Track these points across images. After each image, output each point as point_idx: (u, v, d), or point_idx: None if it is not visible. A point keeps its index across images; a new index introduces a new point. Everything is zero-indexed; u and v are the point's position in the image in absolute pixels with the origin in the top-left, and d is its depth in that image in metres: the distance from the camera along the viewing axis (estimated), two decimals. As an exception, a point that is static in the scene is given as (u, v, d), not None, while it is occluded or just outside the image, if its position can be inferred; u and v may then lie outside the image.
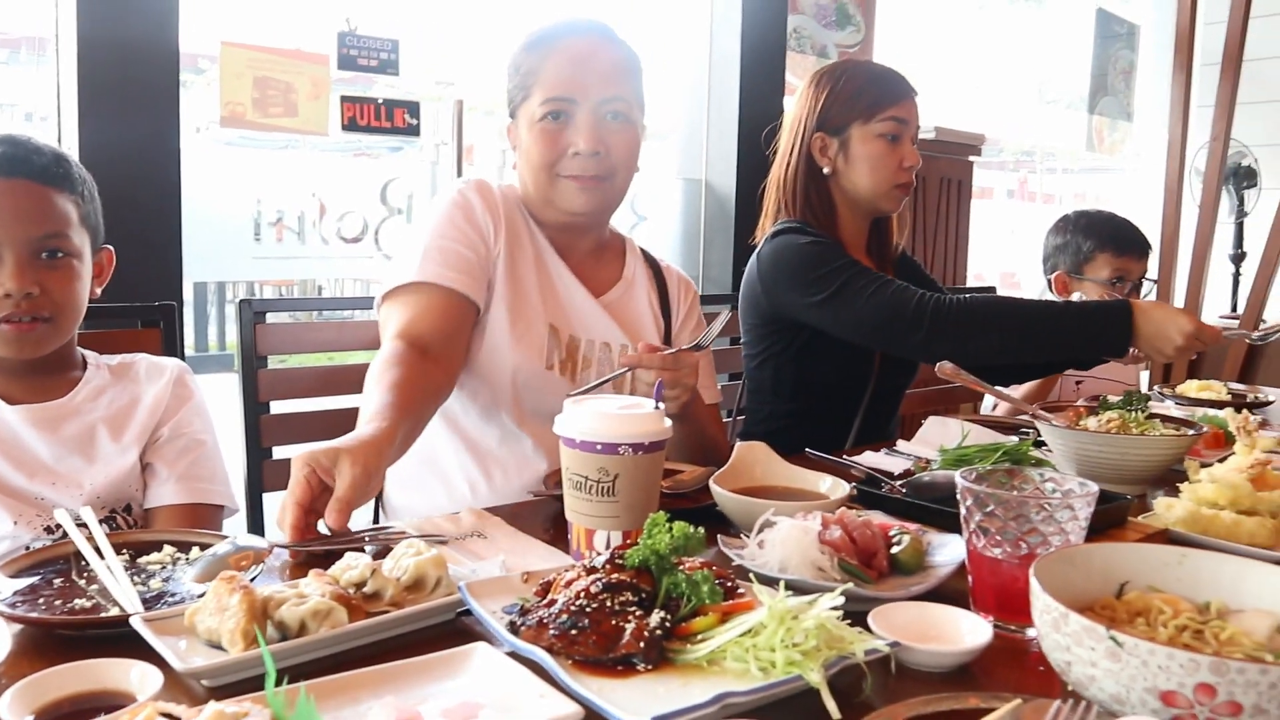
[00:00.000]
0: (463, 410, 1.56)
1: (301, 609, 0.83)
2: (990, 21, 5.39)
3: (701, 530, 0.87)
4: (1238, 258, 4.54)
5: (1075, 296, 2.30)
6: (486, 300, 1.53)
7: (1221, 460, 1.32)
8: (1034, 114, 5.29)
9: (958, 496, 0.94)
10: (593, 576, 0.85)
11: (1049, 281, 2.67)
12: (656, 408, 1.07)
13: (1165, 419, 1.56)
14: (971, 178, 3.76)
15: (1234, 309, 4.39)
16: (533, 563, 1.05)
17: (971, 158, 3.73)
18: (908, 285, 1.79)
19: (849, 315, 1.81)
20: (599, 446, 1.02)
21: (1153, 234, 4.04)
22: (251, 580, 0.87)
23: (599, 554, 0.92)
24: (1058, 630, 0.75)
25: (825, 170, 1.97)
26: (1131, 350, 1.70)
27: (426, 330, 1.41)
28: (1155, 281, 2.72)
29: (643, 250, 1.80)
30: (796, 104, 2.02)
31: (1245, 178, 4.52)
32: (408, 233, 1.56)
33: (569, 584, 0.86)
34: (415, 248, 1.50)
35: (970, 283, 4.22)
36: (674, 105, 3.53)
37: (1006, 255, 5.57)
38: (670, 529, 0.85)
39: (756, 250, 2.00)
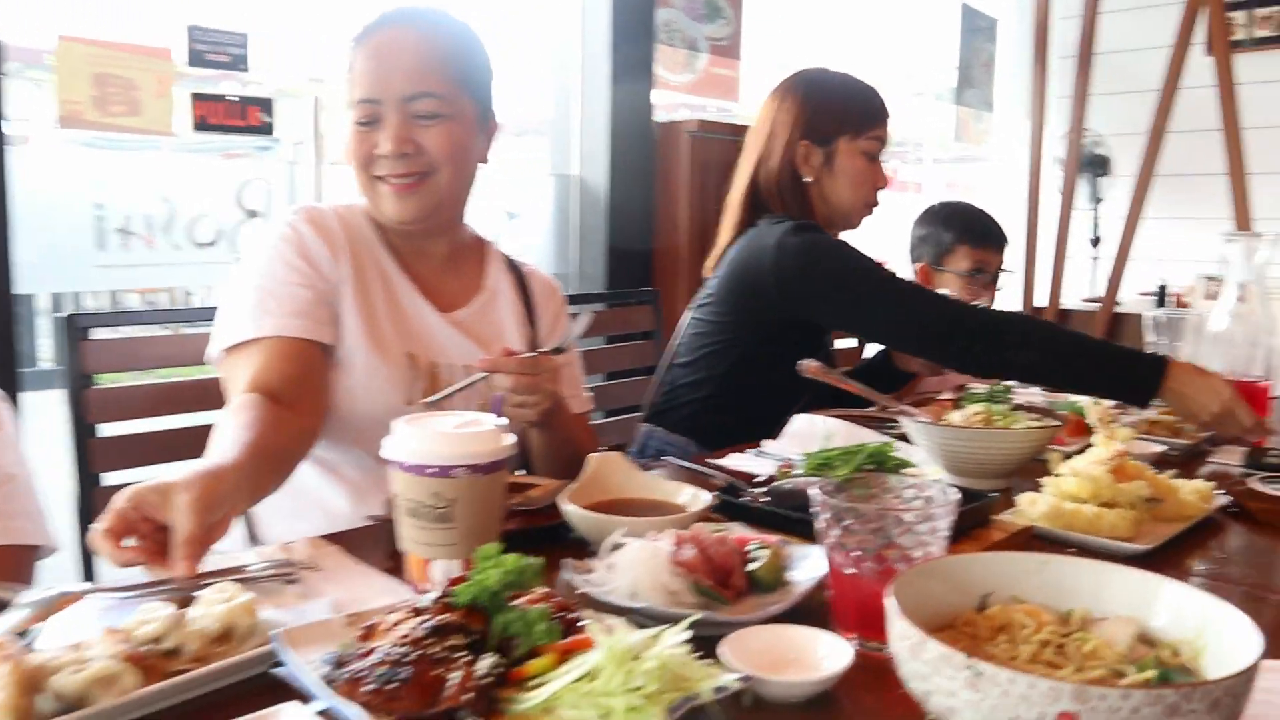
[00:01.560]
0: (327, 448, 1.44)
1: (80, 676, 0.72)
2: (859, 15, 5.43)
3: (540, 560, 0.79)
4: (1095, 242, 4.65)
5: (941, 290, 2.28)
6: (337, 336, 1.41)
7: (1081, 451, 1.30)
8: (904, 106, 5.35)
9: (815, 509, 0.88)
10: (419, 618, 0.76)
11: (914, 272, 2.65)
12: (496, 424, 0.98)
13: (1028, 409, 1.53)
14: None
15: (1092, 291, 4.50)
16: (369, 599, 0.96)
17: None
18: (945, 294, 1.79)
19: (888, 316, 1.77)
20: (432, 469, 0.93)
21: (1017, 221, 4.13)
22: (29, 641, 0.76)
23: (436, 586, 0.83)
24: (915, 657, 0.69)
25: (807, 179, 1.93)
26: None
27: (276, 380, 1.28)
28: (1011, 272, 2.72)
29: (505, 255, 1.67)
30: (774, 108, 1.97)
31: (1099, 165, 4.63)
32: (236, 275, 1.39)
33: (393, 627, 0.77)
34: (247, 296, 1.36)
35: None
36: (544, 100, 3.43)
37: (882, 244, 5.62)
38: (502, 561, 0.77)
39: (769, 241, 1.86)
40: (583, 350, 2.54)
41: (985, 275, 2.55)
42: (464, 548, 0.94)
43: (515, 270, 1.66)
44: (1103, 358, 1.66)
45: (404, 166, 1.41)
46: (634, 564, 0.89)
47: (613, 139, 3.31)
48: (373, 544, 1.14)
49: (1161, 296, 3.98)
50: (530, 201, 3.31)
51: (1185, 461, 1.64)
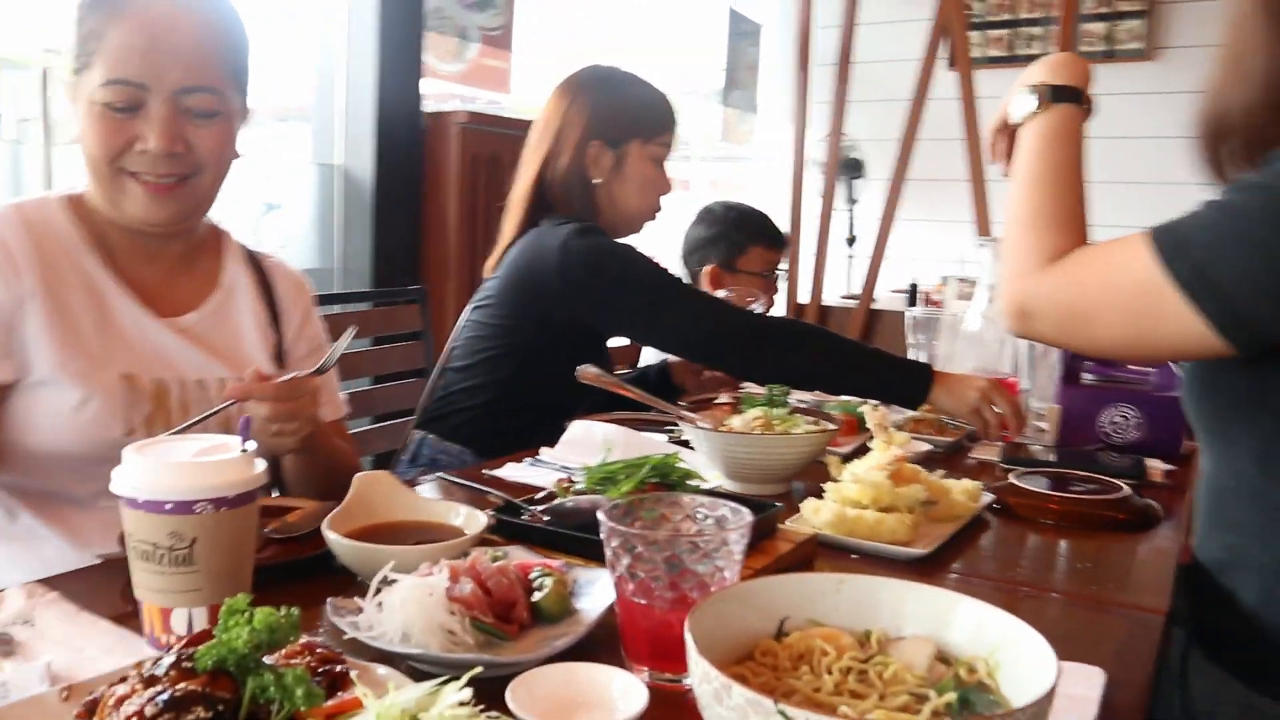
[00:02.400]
0: (36, 488, 1.23)
1: None
2: (631, 13, 5.44)
3: (295, 611, 0.68)
4: (851, 241, 4.85)
5: (721, 294, 2.25)
6: (21, 367, 1.20)
7: (857, 451, 1.31)
8: (674, 104, 5.40)
9: (602, 536, 0.81)
10: (152, 690, 0.64)
11: (694, 275, 2.62)
12: (244, 449, 0.86)
13: (805, 412, 1.53)
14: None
15: (850, 288, 4.69)
16: (94, 659, 0.81)
17: (614, 147, 3.70)
18: (729, 303, 1.80)
19: (673, 325, 1.74)
20: (169, 505, 0.80)
21: (780, 220, 4.25)
22: None
23: (177, 638, 0.71)
24: (720, 703, 0.63)
25: (596, 180, 1.87)
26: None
27: None
28: (785, 271, 2.78)
29: (244, 247, 1.48)
30: (564, 105, 1.89)
31: (855, 169, 4.83)
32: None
33: (120, 702, 0.65)
34: None
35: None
36: (306, 84, 3.21)
37: (652, 241, 5.67)
38: (251, 617, 0.66)
39: (553, 243, 1.78)
40: (347, 352, 2.40)
41: (773, 275, 2.59)
42: (210, 592, 0.82)
43: (256, 264, 1.48)
44: (879, 363, 1.74)
45: (168, 166, 1.23)
46: (406, 603, 0.80)
47: (379, 128, 3.14)
48: (102, 588, 0.98)
49: (913, 294, 4.19)
50: (291, 192, 3.09)
51: (949, 457, 1.70)
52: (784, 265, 2.73)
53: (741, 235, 2.58)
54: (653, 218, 1.98)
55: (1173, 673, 1.16)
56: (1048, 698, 0.63)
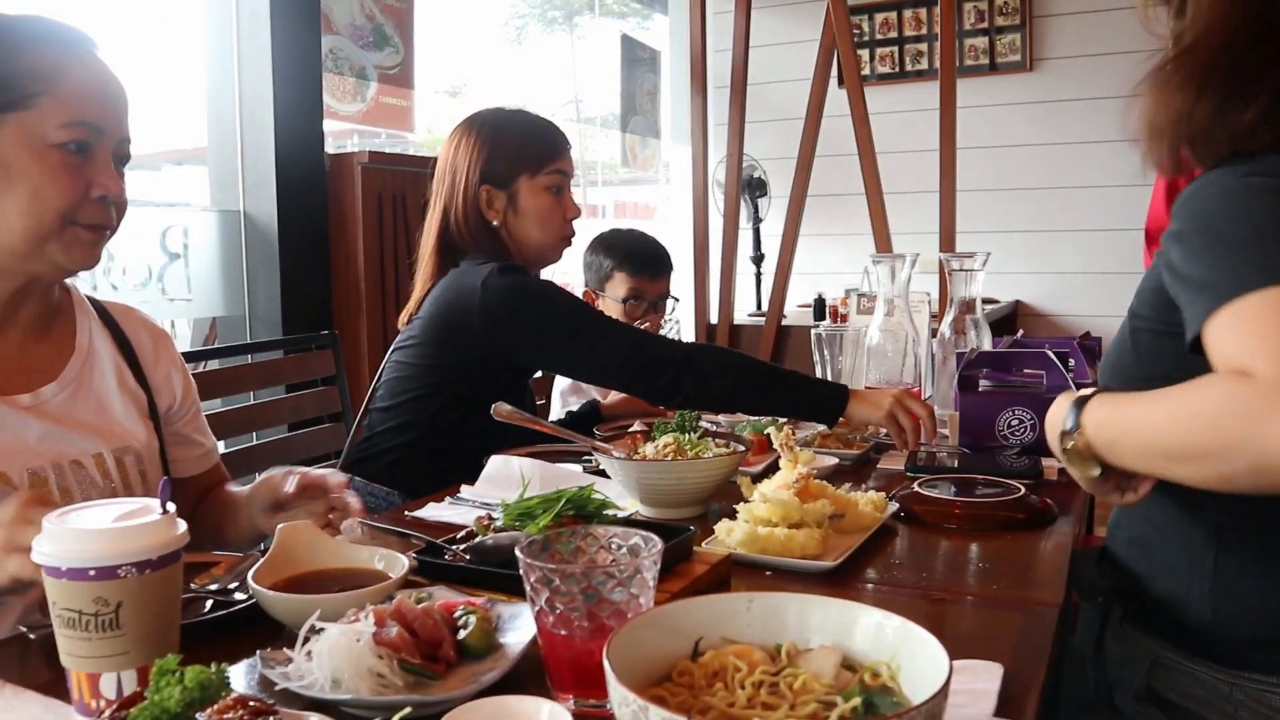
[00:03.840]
0: None
1: None
2: (528, 45, 5.49)
3: (225, 668, 0.70)
4: (758, 259, 4.95)
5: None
6: None
7: (768, 469, 1.35)
8: (575, 132, 5.46)
9: (521, 572, 0.85)
10: (83, 754, 0.66)
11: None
12: (165, 510, 0.87)
13: (715, 435, 1.58)
14: (520, 197, 3.76)
15: (759, 305, 4.78)
16: (17, 726, 0.82)
17: (518, 178, 3.73)
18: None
19: (595, 356, 1.77)
20: (92, 572, 0.81)
21: (685, 241, 4.32)
22: None
23: (108, 703, 0.72)
24: (639, 724, 0.67)
25: (494, 223, 1.91)
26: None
27: None
28: (677, 300, 2.78)
29: (91, 300, 1.42)
30: (452, 151, 1.93)
31: (758, 188, 4.94)
32: None
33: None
34: None
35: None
36: (201, 131, 3.19)
37: (559, 266, 5.72)
38: (182, 677, 0.68)
39: (474, 282, 1.80)
40: (260, 401, 2.39)
41: (643, 302, 2.58)
42: (138, 655, 0.83)
43: (105, 316, 1.41)
44: (796, 383, 1.80)
45: (115, 214, 1.24)
46: (334, 650, 0.82)
47: (280, 171, 3.12)
48: (27, 658, 0.98)
49: (820, 307, 4.30)
50: (193, 240, 3.06)
51: (857, 470, 1.76)
52: (674, 293, 2.75)
53: (608, 261, 2.63)
54: (566, 244, 2.00)
55: (1085, 649, 1.24)
56: (941, 693, 0.68)
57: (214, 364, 2.49)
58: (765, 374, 1.81)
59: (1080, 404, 1.09)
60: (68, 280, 1.36)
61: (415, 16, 3.75)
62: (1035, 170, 4.99)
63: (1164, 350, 1.13)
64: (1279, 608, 1.10)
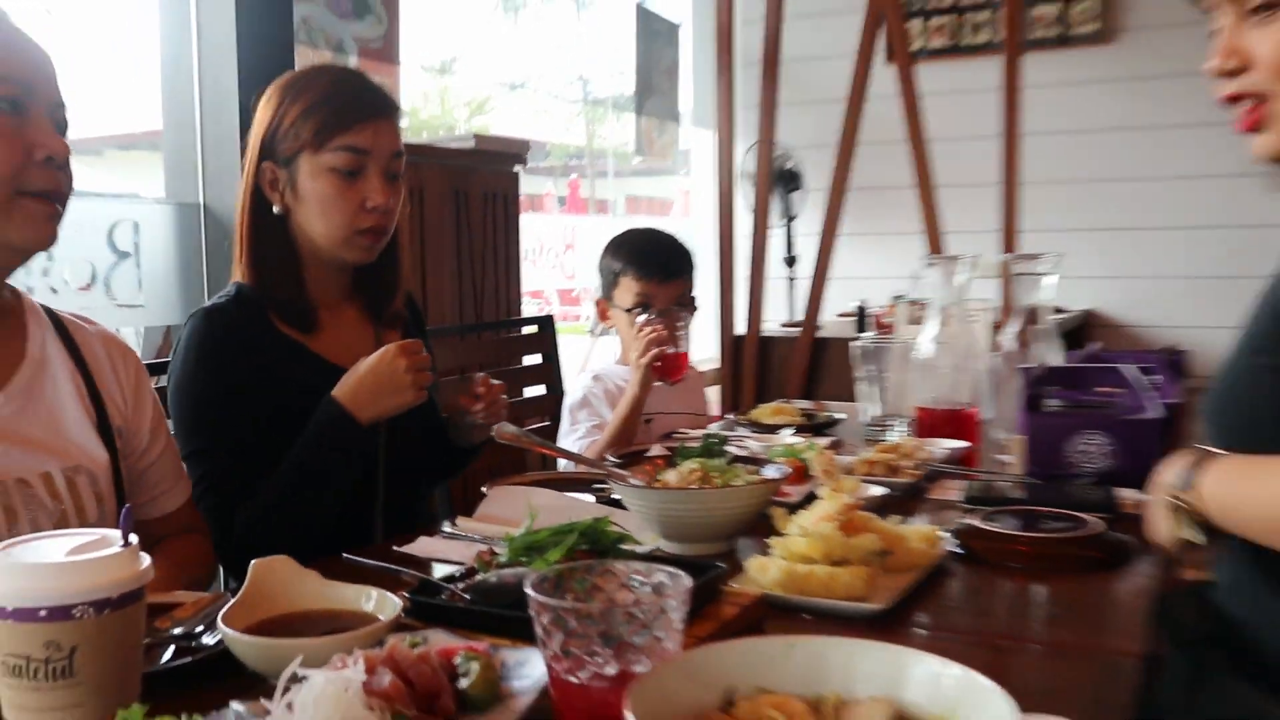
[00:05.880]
0: None
1: None
2: (529, 17, 5.53)
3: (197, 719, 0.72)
4: (791, 262, 4.96)
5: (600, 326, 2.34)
6: None
7: (805, 501, 1.36)
8: (581, 115, 5.49)
9: (531, 613, 0.86)
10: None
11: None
12: (127, 543, 0.89)
13: (746, 461, 1.59)
14: (518, 189, 3.79)
15: (792, 315, 4.79)
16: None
17: (516, 167, 3.76)
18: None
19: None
20: (42, 612, 0.83)
21: (708, 242, 4.34)
22: None
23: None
24: (664, 784, 0.69)
25: (276, 208, 1.76)
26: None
27: None
28: (695, 307, 2.70)
29: (45, 309, 1.45)
30: (255, 120, 1.79)
31: (791, 180, 4.96)
32: None
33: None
34: None
35: (528, 304, 4.27)
36: (153, 112, 3.22)
37: (564, 272, 5.74)
38: (150, 727, 0.70)
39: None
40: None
41: (654, 309, 2.51)
42: (95, 706, 0.85)
43: (62, 329, 1.45)
44: (303, 461, 1.67)
45: (59, 182, 1.27)
46: (319, 701, 0.83)
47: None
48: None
49: (862, 318, 4.31)
50: (145, 236, 3.08)
51: (906, 501, 1.77)
52: (694, 297, 2.73)
53: (616, 264, 2.62)
54: (367, 240, 1.77)
55: (1174, 703, 1.25)
56: (1009, 751, 0.70)
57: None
58: (284, 481, 1.67)
59: (1198, 461, 1.12)
60: (19, 288, 1.40)
61: (401, -18, 3.80)
62: (1113, 159, 4.99)
63: None
64: None
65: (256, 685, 0.97)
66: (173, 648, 1.09)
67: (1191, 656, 1.27)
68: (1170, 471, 1.16)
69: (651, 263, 2.60)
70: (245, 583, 1.10)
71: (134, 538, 0.90)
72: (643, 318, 2.47)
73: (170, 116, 3.20)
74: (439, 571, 1.33)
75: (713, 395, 4.35)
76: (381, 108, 1.77)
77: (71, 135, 1.33)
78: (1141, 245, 4.98)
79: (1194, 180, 4.76)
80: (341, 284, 1.87)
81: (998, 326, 2.45)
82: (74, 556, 0.87)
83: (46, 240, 1.30)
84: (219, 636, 1.04)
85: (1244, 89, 1.20)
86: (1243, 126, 1.23)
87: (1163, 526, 1.20)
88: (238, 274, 1.81)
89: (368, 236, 1.77)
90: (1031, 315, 2.20)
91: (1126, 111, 4.94)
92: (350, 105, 1.74)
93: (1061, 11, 5.05)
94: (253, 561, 1.11)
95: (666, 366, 2.40)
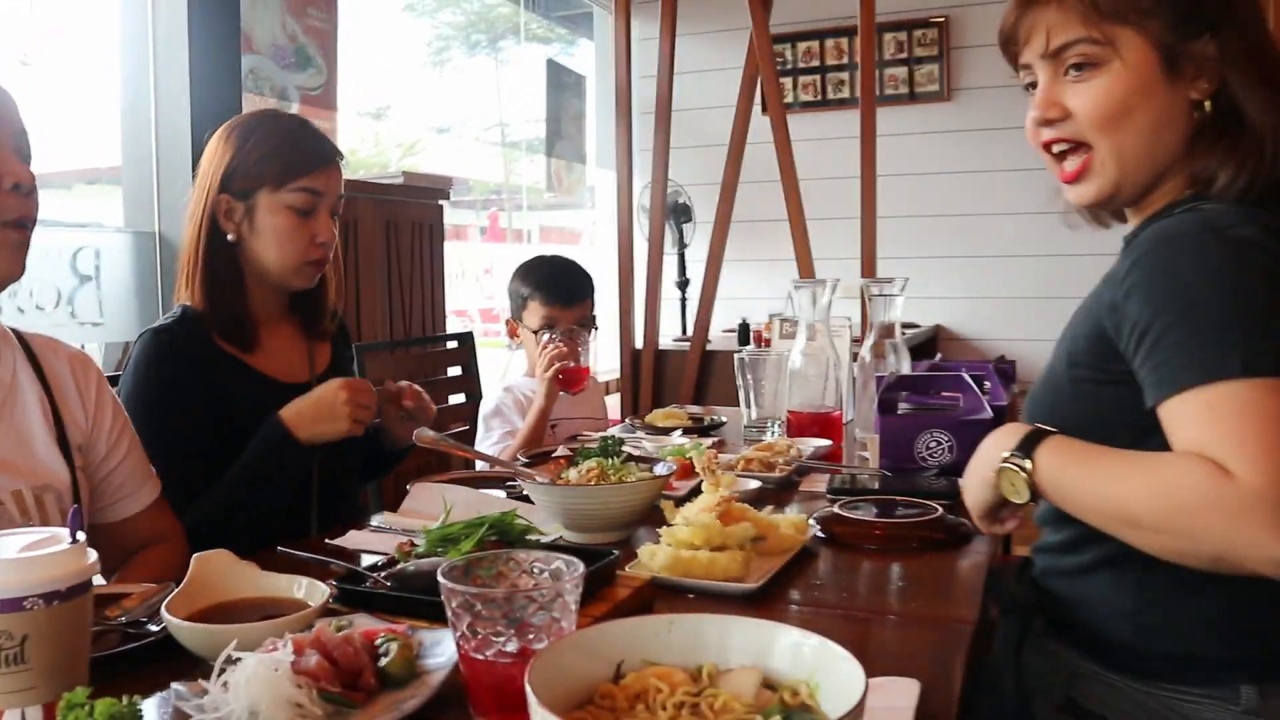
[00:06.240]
0: None
1: None
2: (453, 69, 5.49)
3: (137, 700, 0.69)
4: (683, 284, 4.99)
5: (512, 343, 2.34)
6: None
7: (692, 493, 1.37)
8: (499, 156, 5.47)
9: (443, 597, 0.85)
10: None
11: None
12: (75, 540, 0.85)
13: (640, 460, 1.59)
14: (442, 220, 3.75)
15: (684, 331, 4.82)
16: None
17: (442, 201, 3.72)
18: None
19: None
20: (-5, 604, 0.79)
21: (611, 267, 4.34)
22: None
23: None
24: (560, 747, 0.68)
25: (230, 237, 1.72)
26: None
27: None
28: (595, 328, 2.67)
29: (14, 331, 1.39)
30: (206, 155, 1.76)
31: (683, 213, 4.99)
32: None
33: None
34: None
35: (452, 321, 4.23)
36: (115, 149, 3.12)
37: (484, 293, 5.70)
38: (91, 710, 0.67)
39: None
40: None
41: (558, 331, 2.46)
42: (45, 690, 0.81)
43: (28, 349, 1.38)
44: (250, 477, 1.64)
45: (28, 208, 1.21)
46: (251, 681, 0.81)
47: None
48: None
49: (744, 332, 4.35)
50: (105, 262, 2.99)
51: (780, 492, 1.79)
52: (593, 320, 2.68)
53: (524, 289, 2.60)
54: (312, 269, 1.77)
55: (1004, 662, 1.28)
56: (857, 709, 0.70)
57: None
58: (228, 492, 1.63)
59: (1034, 439, 1.14)
60: None
61: (339, 37, 3.73)
62: (954, 197, 5.12)
63: (1105, 399, 1.18)
64: (1195, 628, 1.16)
65: (197, 668, 0.93)
66: (121, 634, 1.05)
67: (1018, 621, 1.30)
68: (1003, 440, 1.18)
69: (555, 289, 2.58)
70: (187, 574, 1.06)
71: (81, 535, 0.87)
72: (546, 337, 2.45)
73: (129, 153, 3.11)
74: (366, 561, 1.31)
75: (614, 402, 4.35)
76: (333, 155, 1.78)
77: (43, 169, 1.27)
78: (977, 270, 5.11)
79: (1018, 216, 4.90)
80: (280, 305, 1.84)
81: (857, 340, 2.49)
82: (26, 553, 0.83)
83: (16, 270, 1.24)
84: (163, 624, 1.01)
85: (1063, 135, 1.22)
86: (1066, 178, 1.24)
87: (983, 492, 1.22)
88: (184, 296, 1.76)
89: (314, 267, 1.77)
90: (886, 330, 2.23)
91: (963, 158, 5.08)
92: (311, 151, 1.74)
93: (908, 73, 5.18)
94: (194, 555, 1.08)
95: (567, 379, 2.40)
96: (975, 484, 1.24)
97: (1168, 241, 1.11)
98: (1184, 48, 1.16)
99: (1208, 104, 1.17)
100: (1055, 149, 1.24)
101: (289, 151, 1.73)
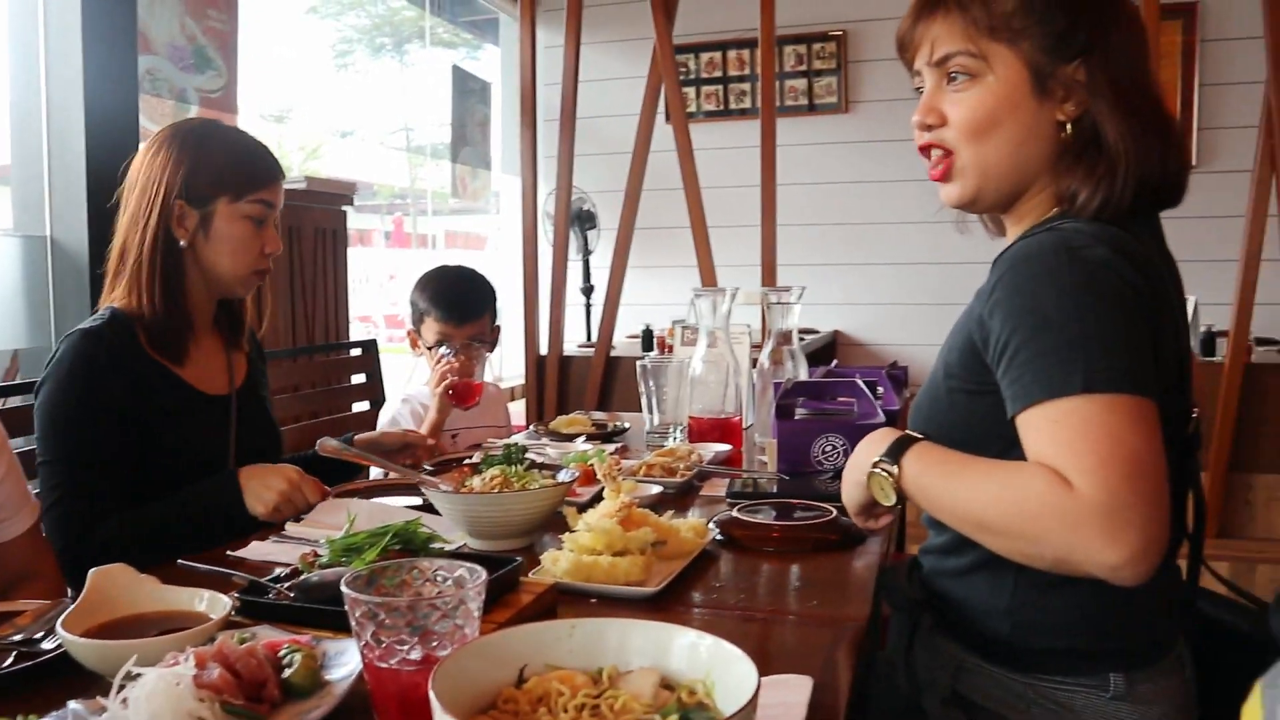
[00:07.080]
0: None
1: None
2: (357, 72, 5.42)
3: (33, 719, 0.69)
4: (587, 291, 5.00)
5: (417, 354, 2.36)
6: None
7: (595, 499, 1.39)
8: (404, 160, 5.41)
9: (346, 607, 0.85)
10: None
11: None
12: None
13: (542, 467, 1.61)
14: (346, 225, 3.71)
15: (589, 337, 4.83)
16: None
17: (345, 206, 3.68)
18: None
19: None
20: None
21: (515, 273, 4.34)
22: None
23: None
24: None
25: (182, 243, 1.74)
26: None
27: None
28: (490, 344, 2.64)
29: None
30: (150, 159, 1.75)
31: (587, 220, 5.00)
32: None
33: None
34: None
35: (357, 328, 4.18)
36: (3, 149, 3.01)
37: (389, 299, 5.63)
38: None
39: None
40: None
41: (453, 346, 2.44)
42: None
43: None
44: (189, 511, 1.64)
45: None
46: (152, 696, 0.81)
47: (91, 195, 2.97)
48: None
49: (648, 339, 4.39)
50: (-10, 268, 2.88)
51: (680, 497, 1.82)
52: (488, 335, 2.64)
53: (422, 303, 2.59)
54: (256, 279, 1.83)
55: (896, 656, 1.33)
56: (750, 706, 0.73)
57: (15, 400, 2.35)
58: (162, 520, 1.63)
59: (902, 445, 1.21)
60: None
61: (239, 39, 3.66)
62: (851, 206, 5.24)
63: (976, 409, 1.24)
64: (1068, 623, 1.24)
65: (96, 685, 0.92)
66: (14, 653, 1.03)
67: (908, 619, 1.35)
68: (875, 446, 1.25)
69: (450, 308, 2.56)
70: (84, 590, 1.04)
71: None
72: (440, 351, 2.44)
73: (18, 153, 3.00)
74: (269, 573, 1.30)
75: (519, 409, 4.35)
76: (281, 170, 1.83)
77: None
78: (873, 278, 5.24)
79: (912, 225, 5.04)
80: (209, 314, 1.86)
81: (757, 347, 2.54)
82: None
83: None
84: (59, 641, 0.99)
85: (934, 140, 1.30)
86: (935, 176, 1.32)
87: (856, 493, 1.31)
88: (118, 299, 1.75)
89: (258, 276, 1.83)
90: (784, 337, 2.28)
91: (860, 168, 5.20)
92: (268, 165, 1.80)
93: (808, 85, 5.28)
94: (91, 570, 1.06)
95: (459, 394, 2.39)
96: (850, 485, 1.34)
97: (1027, 261, 1.17)
98: (1054, 70, 1.23)
99: (1069, 126, 1.24)
100: (933, 153, 1.31)
101: (251, 164, 1.78)
